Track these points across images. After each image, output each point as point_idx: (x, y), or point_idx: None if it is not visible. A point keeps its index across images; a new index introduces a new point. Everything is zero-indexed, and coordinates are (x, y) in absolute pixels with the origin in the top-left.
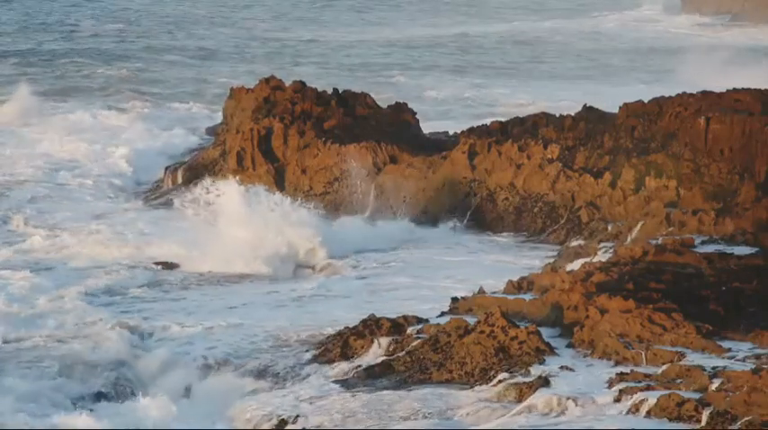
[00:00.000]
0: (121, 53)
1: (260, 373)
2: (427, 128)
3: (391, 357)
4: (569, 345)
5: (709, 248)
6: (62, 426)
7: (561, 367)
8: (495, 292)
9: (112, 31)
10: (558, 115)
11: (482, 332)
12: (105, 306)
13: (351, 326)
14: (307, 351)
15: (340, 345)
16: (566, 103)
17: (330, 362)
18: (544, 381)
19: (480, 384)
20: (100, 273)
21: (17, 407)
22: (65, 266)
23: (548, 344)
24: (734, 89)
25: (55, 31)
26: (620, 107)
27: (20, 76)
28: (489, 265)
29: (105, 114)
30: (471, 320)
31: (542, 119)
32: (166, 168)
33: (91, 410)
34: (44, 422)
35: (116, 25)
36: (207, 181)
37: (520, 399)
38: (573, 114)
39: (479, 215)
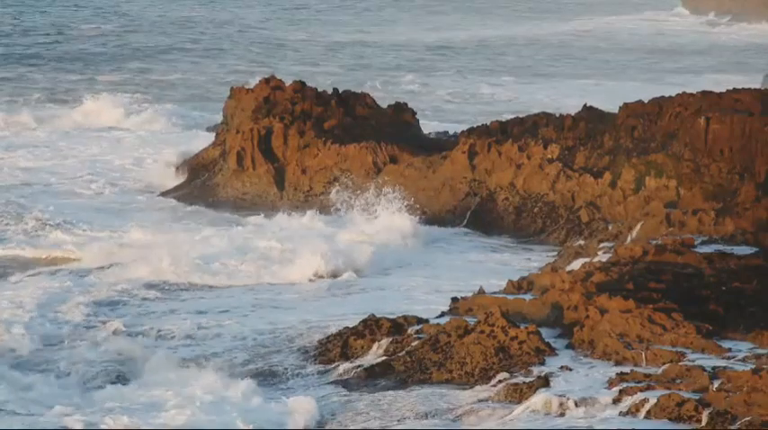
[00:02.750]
0: (121, 53)
1: (260, 373)
2: (427, 128)
3: (391, 357)
4: (569, 345)
5: (710, 248)
6: (71, 426)
7: (561, 367)
8: (495, 292)
9: (113, 32)
10: (558, 115)
11: (482, 332)
12: (107, 307)
13: (351, 326)
14: (307, 351)
15: (340, 345)
16: (566, 102)
17: (330, 362)
18: (544, 381)
19: (480, 384)
20: (101, 275)
21: (31, 406)
22: (66, 267)
23: (548, 344)
24: (734, 89)
25: (55, 32)
26: (620, 107)
27: (20, 77)
28: (489, 265)
29: (104, 114)
30: (471, 320)
31: (542, 119)
32: (167, 168)
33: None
34: (54, 422)
35: (115, 26)
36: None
37: (520, 399)
38: (573, 114)
39: (479, 215)
